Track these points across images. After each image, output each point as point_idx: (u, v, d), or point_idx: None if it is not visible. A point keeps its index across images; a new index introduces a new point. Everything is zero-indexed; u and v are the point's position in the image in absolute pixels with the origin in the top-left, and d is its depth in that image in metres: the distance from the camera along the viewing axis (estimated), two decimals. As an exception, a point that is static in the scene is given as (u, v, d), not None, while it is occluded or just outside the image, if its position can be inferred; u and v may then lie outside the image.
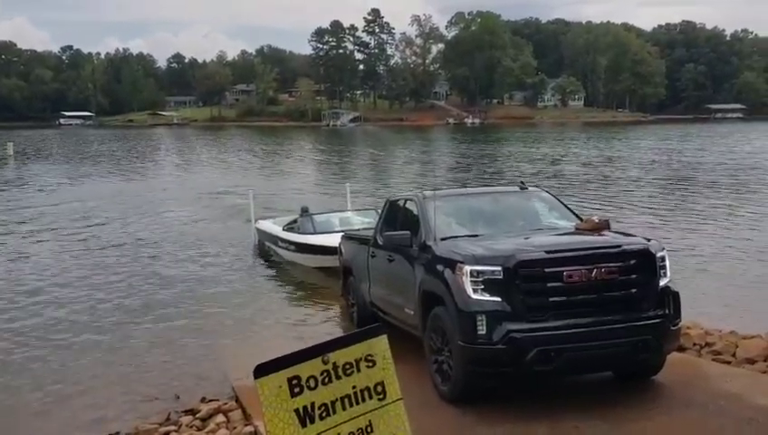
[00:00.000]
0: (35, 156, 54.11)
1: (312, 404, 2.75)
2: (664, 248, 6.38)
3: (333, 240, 11.27)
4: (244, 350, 9.06)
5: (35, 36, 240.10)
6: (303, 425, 2.72)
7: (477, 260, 5.95)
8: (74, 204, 25.15)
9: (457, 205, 7.85)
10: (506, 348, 5.69)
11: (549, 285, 5.80)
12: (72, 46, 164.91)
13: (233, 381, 7.66)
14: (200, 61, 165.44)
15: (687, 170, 34.80)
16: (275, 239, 15.33)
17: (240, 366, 7.38)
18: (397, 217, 8.22)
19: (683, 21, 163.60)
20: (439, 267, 6.42)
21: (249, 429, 6.33)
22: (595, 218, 7.01)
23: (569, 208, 7.91)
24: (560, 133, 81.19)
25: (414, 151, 55.87)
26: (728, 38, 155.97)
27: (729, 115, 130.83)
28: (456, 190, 9.00)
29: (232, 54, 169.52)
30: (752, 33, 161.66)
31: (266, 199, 23.53)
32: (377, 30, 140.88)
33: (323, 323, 10.60)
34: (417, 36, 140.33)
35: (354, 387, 2.88)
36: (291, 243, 14.48)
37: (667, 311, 6.04)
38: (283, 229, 15.21)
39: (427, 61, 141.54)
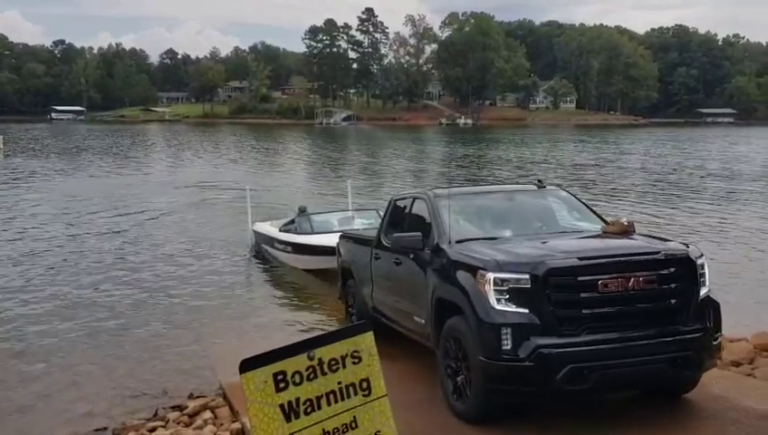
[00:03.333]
0: (27, 150, 53.75)
1: (297, 400, 2.76)
2: (702, 254, 5.83)
3: (332, 240, 10.63)
4: (233, 347, 9.05)
5: (27, 30, 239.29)
6: (288, 420, 2.74)
7: (501, 267, 5.37)
8: (64, 199, 25.02)
9: (470, 204, 7.25)
10: (534, 365, 5.13)
11: (582, 295, 5.25)
12: (64, 40, 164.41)
13: (221, 378, 7.66)
14: (193, 57, 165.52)
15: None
16: (272, 241, 14.77)
17: (228, 363, 7.32)
18: (403, 216, 7.66)
19: (676, 25, 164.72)
20: (456, 273, 5.85)
21: (236, 425, 6.33)
22: (624, 221, 6.49)
23: (591, 209, 7.36)
24: (553, 135, 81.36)
25: (408, 151, 55.86)
26: (720, 43, 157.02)
27: (720, 120, 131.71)
28: (469, 189, 8.18)
29: (225, 51, 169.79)
30: (743, 37, 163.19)
31: (263, 198, 23.34)
32: (371, 29, 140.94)
33: (317, 324, 10.47)
34: (410, 36, 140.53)
35: (339, 383, 2.89)
36: (287, 244, 13.96)
37: (707, 323, 5.53)
38: (280, 230, 14.64)
39: (420, 61, 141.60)
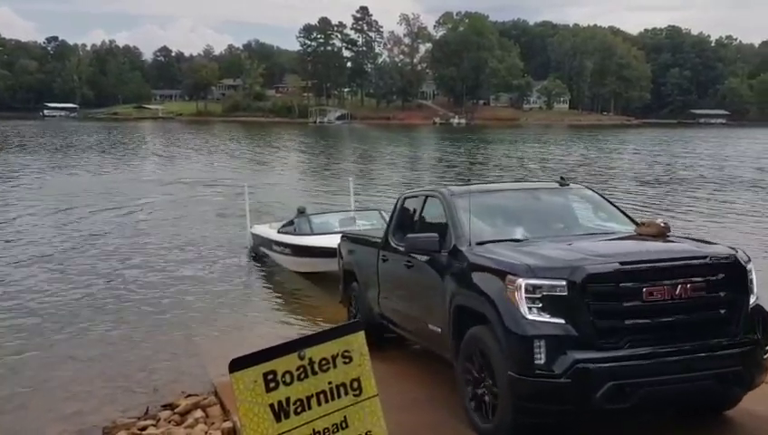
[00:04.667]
0: (18, 147, 53.50)
1: (288, 399, 2.76)
2: (750, 259, 5.34)
3: (333, 241, 10.14)
4: (224, 346, 9.03)
5: (20, 26, 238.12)
6: (278, 420, 2.74)
7: (534, 272, 4.87)
8: (57, 196, 24.93)
9: (489, 203, 6.64)
10: (571, 382, 4.64)
11: (625, 304, 4.77)
12: (57, 37, 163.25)
13: (213, 377, 7.65)
14: (187, 55, 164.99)
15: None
16: (270, 243, 14.33)
17: (220, 362, 7.30)
18: (413, 216, 7.14)
19: (669, 26, 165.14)
20: (480, 279, 5.38)
21: (228, 424, 6.32)
22: (659, 221, 6.01)
23: (618, 208, 6.87)
24: (546, 135, 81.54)
25: (404, 150, 55.90)
26: (713, 44, 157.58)
27: (713, 120, 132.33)
28: (486, 186, 7.68)
29: (219, 49, 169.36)
30: (736, 39, 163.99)
31: (261, 197, 23.11)
32: (365, 28, 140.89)
33: (313, 327, 10.27)
34: (405, 35, 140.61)
35: (330, 383, 2.89)
36: (286, 245, 13.52)
37: (757, 335, 5.07)
38: (278, 232, 14.17)
39: (414, 60, 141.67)
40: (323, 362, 2.88)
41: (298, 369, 2.81)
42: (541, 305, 4.80)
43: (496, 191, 7.41)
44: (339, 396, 2.90)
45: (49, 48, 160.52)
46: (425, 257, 6.26)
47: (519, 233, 6.07)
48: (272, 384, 2.73)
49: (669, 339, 4.83)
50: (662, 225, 5.89)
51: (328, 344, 2.93)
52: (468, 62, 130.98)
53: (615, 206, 6.89)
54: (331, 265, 10.60)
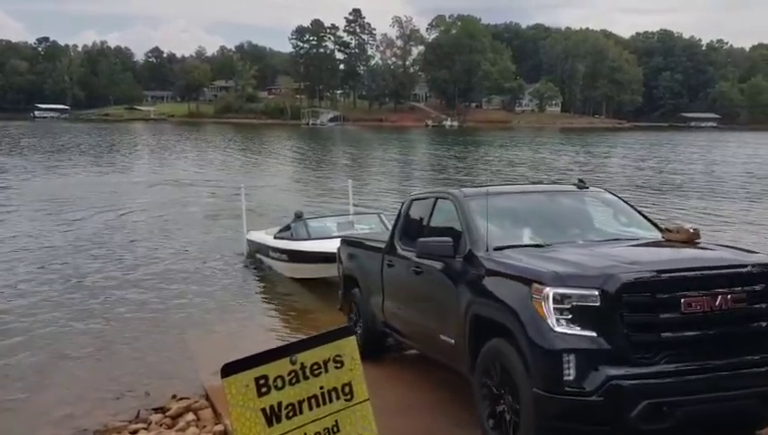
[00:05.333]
0: (7, 148, 53.25)
1: (279, 404, 2.77)
2: None
3: (332, 246, 9.84)
4: (217, 349, 9.01)
5: (10, 26, 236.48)
6: (270, 424, 2.75)
7: (563, 280, 4.53)
8: (46, 199, 24.85)
9: (503, 205, 6.21)
10: (604, 400, 4.31)
11: (662, 316, 4.46)
12: (48, 38, 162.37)
13: (204, 380, 7.64)
14: (179, 56, 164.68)
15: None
16: (266, 249, 13.97)
17: (212, 365, 7.30)
18: (422, 219, 6.78)
19: (660, 29, 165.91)
20: (500, 287, 5.04)
21: (219, 427, 6.33)
22: (688, 227, 5.65)
23: (640, 212, 6.55)
24: (538, 137, 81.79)
25: (397, 152, 55.97)
26: (704, 48, 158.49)
27: (704, 124, 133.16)
28: (500, 188, 7.03)
29: (211, 50, 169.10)
30: (727, 43, 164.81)
31: (254, 200, 22.91)
32: (358, 30, 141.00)
33: (307, 332, 10.19)
34: (397, 38, 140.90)
35: (322, 387, 2.90)
36: (283, 251, 13.14)
37: None
38: (275, 237, 13.81)
39: (407, 62, 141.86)
40: (315, 367, 2.89)
41: (290, 373, 2.81)
42: (570, 317, 4.46)
43: (512, 193, 6.93)
44: (330, 400, 2.91)
45: (40, 49, 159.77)
46: (436, 263, 5.90)
47: (538, 237, 5.75)
48: (263, 389, 2.74)
49: (708, 354, 4.51)
50: (691, 230, 5.54)
51: (320, 349, 2.94)
52: (461, 65, 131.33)
53: (636, 210, 6.58)
54: (329, 271, 10.32)
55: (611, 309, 4.42)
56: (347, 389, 2.97)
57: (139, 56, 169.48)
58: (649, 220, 6.37)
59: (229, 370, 2.70)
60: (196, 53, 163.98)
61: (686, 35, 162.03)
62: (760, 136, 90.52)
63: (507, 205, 6.29)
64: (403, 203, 7.41)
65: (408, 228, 6.95)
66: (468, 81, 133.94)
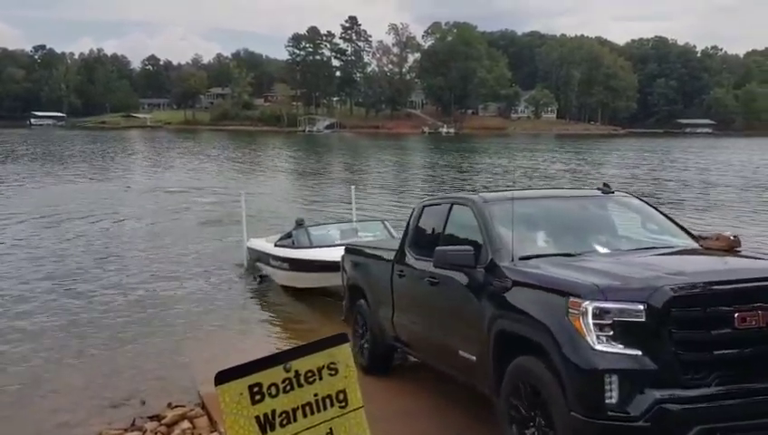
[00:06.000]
0: (3, 156, 53.17)
1: (273, 412, 2.77)
2: None
3: (334, 254, 9.48)
4: (212, 357, 9.00)
5: (7, 34, 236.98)
6: (264, 432, 2.75)
7: (605, 293, 4.13)
8: (42, 206, 24.78)
9: (525, 212, 5.62)
10: (651, 426, 3.93)
11: (713, 332, 4.09)
12: (44, 45, 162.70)
13: (199, 388, 7.62)
14: (175, 63, 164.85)
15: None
16: (266, 257, 13.46)
17: (207, 373, 7.24)
18: (436, 226, 6.40)
19: (655, 36, 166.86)
20: (529, 300, 4.64)
21: (214, 435, 6.32)
22: (728, 234, 5.32)
23: (671, 219, 6.15)
24: (534, 144, 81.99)
25: (395, 159, 55.97)
26: (699, 54, 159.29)
27: (699, 130, 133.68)
28: (520, 193, 6.24)
29: (207, 58, 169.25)
30: (722, 50, 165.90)
31: (252, 207, 22.94)
32: (354, 37, 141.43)
33: (303, 340, 10.06)
34: (393, 45, 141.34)
35: (316, 395, 2.90)
36: (284, 259, 12.64)
37: None
38: (275, 245, 13.31)
39: (403, 69, 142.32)
40: (309, 375, 2.89)
41: (284, 381, 2.81)
42: (611, 334, 4.08)
43: (533, 199, 6.39)
44: (324, 408, 2.91)
45: (36, 56, 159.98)
46: (455, 274, 5.50)
47: (564, 246, 5.39)
48: (257, 397, 2.74)
49: (764, 374, 4.13)
50: (732, 238, 5.21)
51: (314, 356, 2.94)
52: (457, 72, 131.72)
53: (666, 215, 6.19)
54: (332, 280, 10.01)
55: (658, 325, 4.05)
56: (341, 396, 2.97)
57: (136, 64, 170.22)
58: (681, 227, 6.00)
59: (223, 378, 2.70)
60: (193, 60, 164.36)
61: (680, 42, 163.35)
62: (755, 142, 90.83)
63: (529, 211, 5.72)
64: (414, 210, 7.05)
65: (421, 237, 6.62)
66: (464, 88, 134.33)
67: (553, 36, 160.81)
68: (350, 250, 8.26)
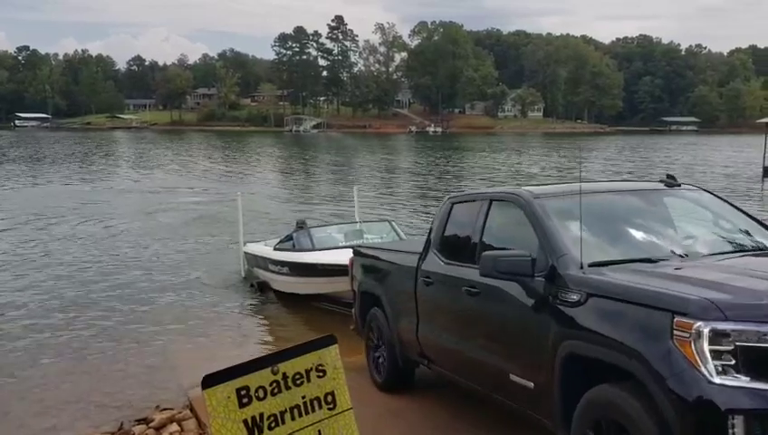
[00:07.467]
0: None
1: (261, 415, 2.76)
2: None
3: (340, 258, 8.84)
4: (201, 360, 8.96)
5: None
6: (251, 435, 2.74)
7: (724, 311, 3.27)
8: (32, 209, 24.58)
9: (583, 209, 4.46)
10: None
11: None
12: (28, 47, 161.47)
13: (188, 391, 7.59)
14: (161, 64, 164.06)
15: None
16: (265, 262, 12.59)
17: (196, 375, 7.23)
18: (471, 227, 5.46)
19: (640, 35, 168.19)
20: (613, 318, 3.74)
21: (203, 438, 6.28)
22: None
23: (747, 214, 5.31)
24: (521, 142, 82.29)
25: (382, 158, 55.97)
26: (683, 53, 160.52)
27: (684, 128, 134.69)
28: (570, 187, 5.19)
29: (193, 58, 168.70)
30: (705, 48, 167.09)
31: (244, 208, 22.79)
32: (340, 37, 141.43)
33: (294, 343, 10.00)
34: (380, 44, 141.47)
35: (304, 397, 2.90)
36: (284, 264, 11.80)
37: None
38: (275, 249, 12.49)
39: (390, 69, 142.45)
40: (297, 377, 2.88)
41: (271, 384, 2.81)
42: (733, 363, 3.22)
43: (588, 193, 4.84)
44: (313, 410, 2.91)
45: (20, 57, 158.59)
46: (502, 283, 4.57)
47: (640, 250, 4.55)
48: (245, 400, 2.73)
49: None
50: None
51: (301, 359, 2.93)
52: (443, 71, 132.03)
53: (742, 211, 5.36)
54: (337, 286, 9.42)
55: None
56: (330, 398, 2.97)
57: (121, 64, 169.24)
58: (759, 222, 5.16)
59: (210, 381, 2.68)
60: (179, 60, 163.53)
61: (665, 41, 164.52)
62: (738, 139, 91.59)
63: (587, 208, 4.49)
64: (441, 207, 6.16)
65: (451, 238, 5.76)
66: (451, 87, 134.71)
67: (539, 35, 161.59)
68: (361, 253, 7.39)
